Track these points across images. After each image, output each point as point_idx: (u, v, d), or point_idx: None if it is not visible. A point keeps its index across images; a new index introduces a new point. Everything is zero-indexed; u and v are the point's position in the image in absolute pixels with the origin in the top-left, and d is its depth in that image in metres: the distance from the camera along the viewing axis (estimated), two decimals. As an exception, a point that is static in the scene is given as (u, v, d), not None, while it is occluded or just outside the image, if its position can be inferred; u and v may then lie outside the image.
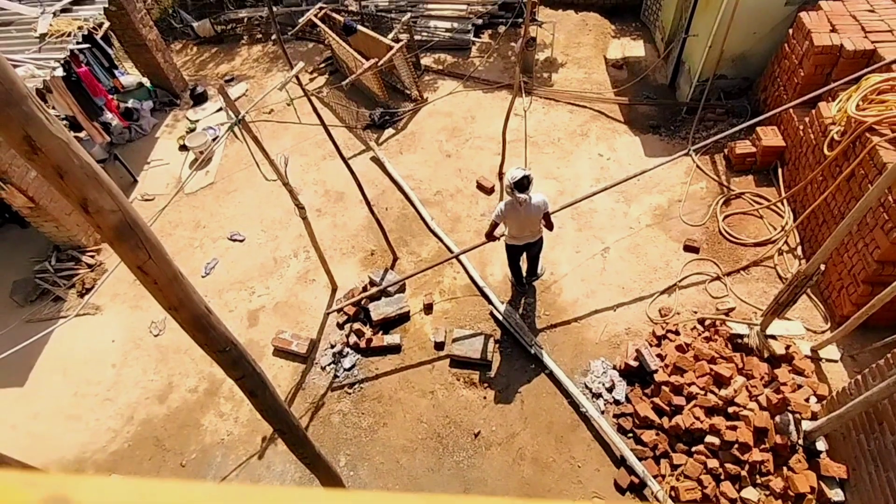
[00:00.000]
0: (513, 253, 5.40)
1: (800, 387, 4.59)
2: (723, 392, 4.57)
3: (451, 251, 6.21)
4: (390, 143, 7.68)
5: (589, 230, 6.30)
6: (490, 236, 5.05)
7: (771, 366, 4.78)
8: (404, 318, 5.80)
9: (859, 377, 3.99)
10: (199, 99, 8.77)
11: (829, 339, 4.89)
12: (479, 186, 6.88)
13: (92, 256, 6.83)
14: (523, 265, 5.71)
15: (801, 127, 5.90)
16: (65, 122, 7.16)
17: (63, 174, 1.98)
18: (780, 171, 6.31)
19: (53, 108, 6.94)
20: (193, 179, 7.38)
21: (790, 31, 6.20)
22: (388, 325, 5.77)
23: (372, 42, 7.70)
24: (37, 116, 1.86)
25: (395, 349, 5.57)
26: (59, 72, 6.62)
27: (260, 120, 7.66)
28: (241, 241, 6.76)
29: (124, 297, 6.37)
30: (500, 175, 6.93)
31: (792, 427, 4.33)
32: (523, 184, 4.53)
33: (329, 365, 5.54)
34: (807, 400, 4.50)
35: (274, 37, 9.92)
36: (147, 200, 7.35)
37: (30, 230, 6.82)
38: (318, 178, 7.31)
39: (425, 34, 8.90)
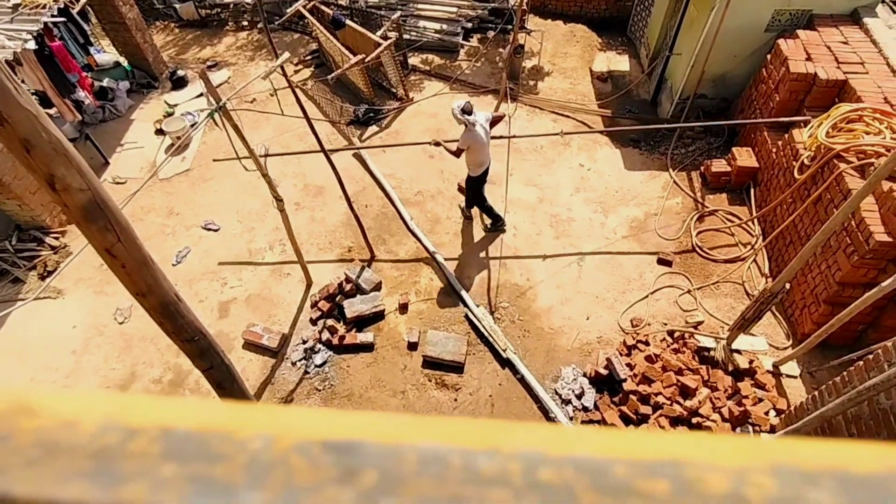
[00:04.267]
0: (479, 184, 5.90)
1: (760, 400, 4.73)
2: (688, 403, 4.68)
3: (428, 252, 6.21)
4: (373, 140, 7.64)
5: (566, 238, 6.38)
6: (457, 155, 5.60)
7: (735, 379, 4.91)
8: (379, 316, 5.77)
9: (816, 393, 4.13)
10: (179, 83, 8.58)
11: (790, 356, 5.05)
12: (461, 189, 6.89)
13: (56, 238, 6.61)
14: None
15: (774, 150, 6.09)
16: (35, 97, 6.92)
17: (30, 148, 1.90)
18: (752, 190, 6.50)
19: (23, 81, 6.70)
20: (169, 165, 7.21)
21: (768, 56, 6.40)
22: (361, 322, 5.73)
23: (360, 38, 7.66)
24: (5, 86, 1.78)
25: (367, 347, 5.53)
26: (31, 44, 6.40)
27: (241, 109, 7.54)
28: (216, 230, 6.63)
29: (89, 281, 6.17)
30: (481, 179, 6.97)
31: (752, 440, 4.45)
32: (467, 108, 5.25)
33: (300, 360, 5.48)
34: (766, 413, 4.64)
35: (260, 25, 9.78)
36: (119, 183, 7.15)
37: (-10, 207, 6.56)
38: (299, 172, 7.23)
39: (414, 34, 8.89)
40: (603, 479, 0.24)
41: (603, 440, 0.26)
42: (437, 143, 5.84)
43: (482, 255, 6.27)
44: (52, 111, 7.05)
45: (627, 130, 7.32)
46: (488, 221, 6.42)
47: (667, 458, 0.24)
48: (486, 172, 5.83)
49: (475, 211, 6.47)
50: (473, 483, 0.24)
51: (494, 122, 5.68)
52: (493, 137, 5.82)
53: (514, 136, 5.80)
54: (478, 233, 6.49)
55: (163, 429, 0.26)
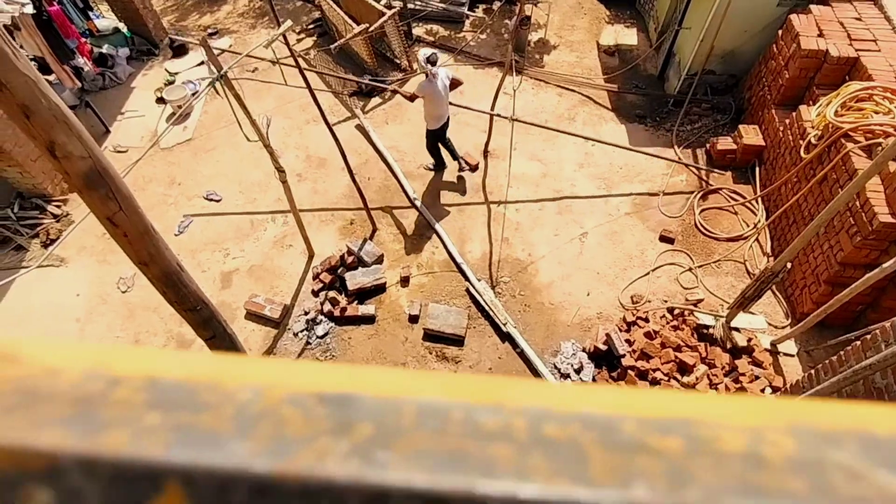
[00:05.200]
0: (438, 137, 6.26)
1: (757, 378, 4.78)
2: (685, 379, 4.73)
3: (431, 225, 6.21)
4: (376, 112, 7.56)
5: (569, 214, 6.36)
6: (411, 99, 5.92)
7: (732, 356, 4.96)
8: (380, 289, 5.80)
9: (812, 371, 4.17)
10: (179, 50, 8.45)
11: (788, 335, 5.09)
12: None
13: (58, 206, 6.60)
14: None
15: (781, 128, 6.03)
16: (33, 63, 6.83)
17: (29, 114, 1.88)
18: (757, 169, 6.45)
19: (21, 47, 6.60)
20: (170, 134, 7.15)
21: (780, 32, 6.27)
22: (363, 295, 5.76)
23: (364, 6, 7.51)
24: (2, 50, 1.76)
25: (369, 320, 5.57)
26: (29, 8, 6.29)
27: (243, 78, 7.44)
28: (218, 201, 6.61)
29: (91, 250, 6.19)
30: (485, 153, 6.91)
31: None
32: (433, 59, 5.52)
33: (302, 331, 5.52)
34: (762, 391, 4.69)
35: (261, -8, 9.58)
36: (120, 152, 7.11)
37: (-8, 175, 6.54)
38: (301, 143, 7.17)
39: (419, 3, 8.71)
40: (612, 435, 0.23)
41: (612, 397, 0.25)
42: (395, 91, 6.14)
43: (484, 230, 6.26)
44: (51, 78, 6.96)
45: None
46: (455, 165, 6.71)
47: (680, 416, 0.24)
48: (444, 126, 6.14)
49: (451, 163, 6.78)
50: (475, 437, 0.23)
51: (454, 83, 5.91)
52: (499, 116, 5.92)
53: (517, 119, 5.74)
54: (479, 211, 6.47)
55: (148, 378, 0.25)
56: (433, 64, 5.52)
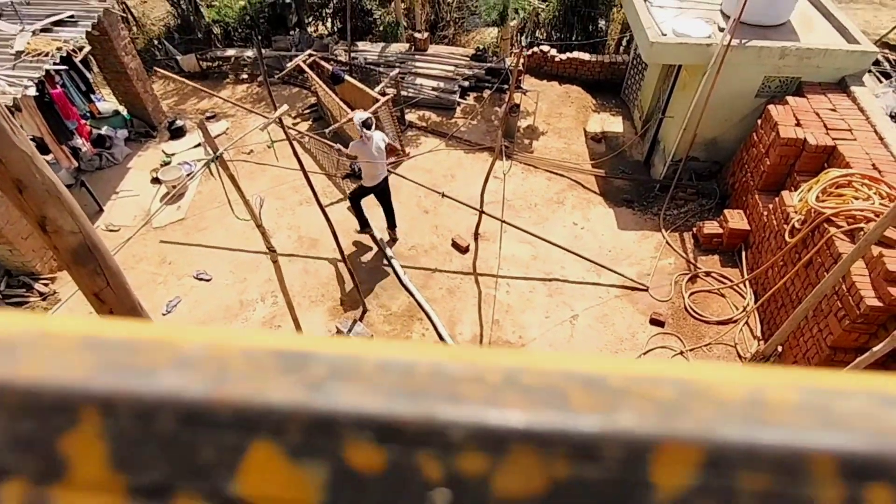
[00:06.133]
0: (364, 194, 6.39)
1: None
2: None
3: (421, 307, 6.15)
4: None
5: (559, 296, 6.35)
6: (346, 157, 6.15)
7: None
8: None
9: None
10: (177, 133, 8.66)
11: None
12: (455, 245, 6.90)
13: (45, 285, 6.50)
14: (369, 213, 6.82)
15: (765, 213, 6.18)
16: (32, 143, 6.94)
17: (22, 188, 1.87)
18: (744, 253, 6.55)
19: (21, 127, 6.73)
20: (163, 213, 7.19)
21: (759, 121, 6.58)
22: (351, 379, 5.59)
23: (358, 93, 7.82)
24: (1, 125, 1.77)
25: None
26: (32, 91, 6.46)
27: (238, 159, 7.60)
28: (208, 280, 6.55)
29: (73, 330, 6.02)
30: (476, 235, 6.98)
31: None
32: (368, 123, 5.76)
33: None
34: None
35: (260, 78, 9.99)
36: (112, 231, 7.10)
37: (-21, 252, 6.47)
38: (293, 223, 7.22)
39: (412, 91, 9.11)
40: (598, 384, 0.21)
41: (599, 361, 0.23)
42: (339, 151, 6.33)
43: (474, 311, 6.21)
44: (49, 157, 7.06)
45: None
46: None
47: (672, 376, 0.21)
48: (376, 187, 6.28)
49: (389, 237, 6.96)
50: (442, 380, 0.21)
51: (391, 149, 6.20)
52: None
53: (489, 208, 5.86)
54: (470, 293, 6.45)
55: (86, 334, 0.22)
56: (368, 128, 5.79)
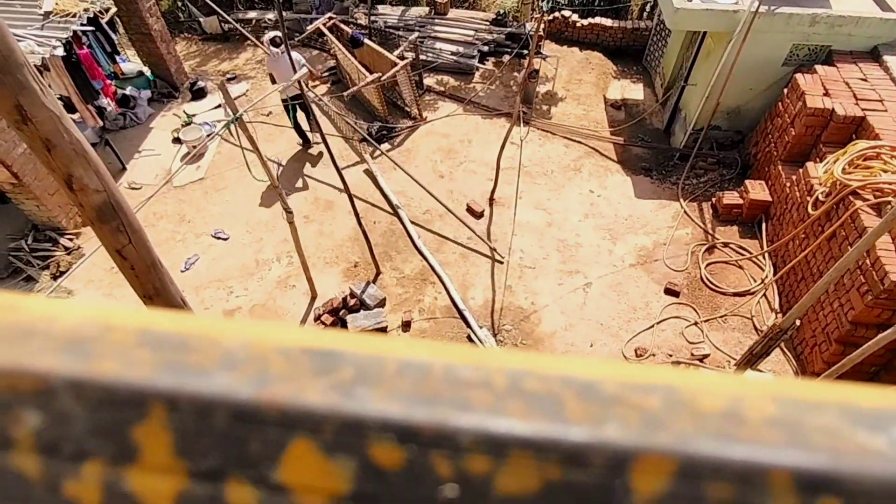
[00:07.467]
0: (293, 109, 7.02)
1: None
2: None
3: (435, 271, 6.20)
4: (385, 157, 7.68)
5: (573, 264, 6.33)
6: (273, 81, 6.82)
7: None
8: (381, 333, 5.74)
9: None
10: (199, 94, 8.74)
11: (798, 395, 4.93)
12: (469, 210, 6.90)
13: (71, 240, 6.70)
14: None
15: (788, 184, 6.03)
16: (59, 102, 7.08)
17: (51, 147, 1.93)
18: (764, 224, 6.43)
19: (50, 86, 6.86)
20: (183, 173, 7.31)
21: (785, 90, 6.38)
22: (363, 338, 5.70)
23: (377, 56, 7.77)
24: (31, 86, 1.82)
25: (368, 364, 5.49)
26: (60, 51, 6.57)
27: (257, 121, 7.66)
28: (225, 239, 6.68)
29: (99, 283, 6.23)
30: (491, 201, 6.96)
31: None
32: (276, 41, 6.45)
33: (299, 373, 5.44)
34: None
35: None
36: (134, 189, 7.25)
37: (9, 206, 6.67)
38: (310, 185, 7.28)
39: (431, 55, 9.00)
40: (592, 391, 0.24)
41: (596, 366, 0.26)
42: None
43: (487, 277, 6.24)
44: (75, 116, 7.20)
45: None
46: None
47: (661, 382, 0.24)
48: (293, 100, 6.81)
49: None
50: (454, 385, 0.24)
51: (310, 74, 6.73)
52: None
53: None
54: (483, 258, 6.46)
55: (141, 328, 0.27)
56: (276, 46, 6.48)
